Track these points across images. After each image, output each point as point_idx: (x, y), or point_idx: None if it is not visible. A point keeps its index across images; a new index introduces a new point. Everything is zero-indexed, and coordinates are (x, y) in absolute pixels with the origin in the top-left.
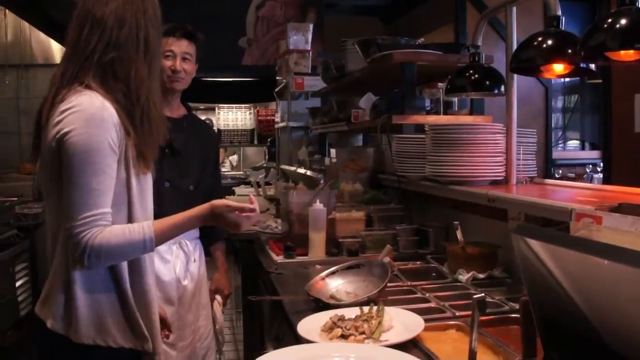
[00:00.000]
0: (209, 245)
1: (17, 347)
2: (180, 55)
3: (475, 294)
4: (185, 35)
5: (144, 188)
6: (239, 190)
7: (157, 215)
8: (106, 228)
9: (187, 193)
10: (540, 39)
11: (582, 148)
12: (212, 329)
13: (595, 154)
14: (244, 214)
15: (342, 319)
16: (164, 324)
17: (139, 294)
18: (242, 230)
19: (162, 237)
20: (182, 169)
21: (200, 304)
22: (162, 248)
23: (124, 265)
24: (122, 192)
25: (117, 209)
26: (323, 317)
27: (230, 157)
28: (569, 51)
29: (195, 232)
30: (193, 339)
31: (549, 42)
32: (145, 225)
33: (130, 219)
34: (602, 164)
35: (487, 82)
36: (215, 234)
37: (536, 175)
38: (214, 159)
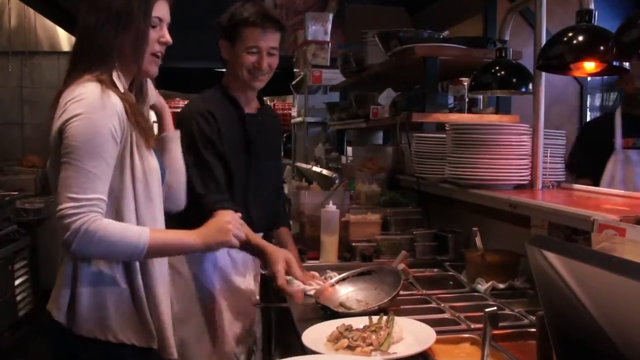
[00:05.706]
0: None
1: (14, 349)
2: (266, 51)
3: (491, 305)
4: (276, 27)
5: (150, 182)
6: None
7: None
8: (104, 218)
9: (266, 196)
10: (570, 34)
11: None
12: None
13: None
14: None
15: (349, 329)
16: None
17: (150, 292)
18: (230, 234)
19: (154, 252)
20: (263, 171)
21: None
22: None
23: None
24: (128, 186)
25: (124, 203)
26: (330, 327)
27: None
28: (601, 48)
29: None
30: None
31: (580, 38)
32: (144, 230)
33: (136, 213)
34: None
35: (514, 80)
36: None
37: (564, 179)
38: (279, 151)
